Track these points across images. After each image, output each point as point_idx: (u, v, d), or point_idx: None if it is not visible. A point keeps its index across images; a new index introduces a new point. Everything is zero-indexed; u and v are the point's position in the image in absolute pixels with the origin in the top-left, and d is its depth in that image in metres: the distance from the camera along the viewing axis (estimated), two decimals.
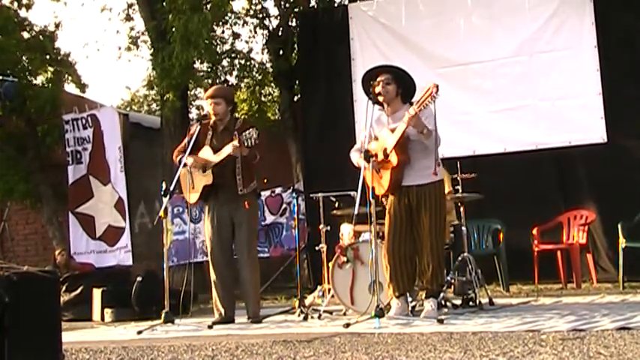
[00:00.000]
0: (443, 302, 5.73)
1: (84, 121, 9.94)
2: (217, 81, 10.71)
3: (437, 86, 5.06)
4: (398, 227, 5.40)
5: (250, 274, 5.95)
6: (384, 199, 5.55)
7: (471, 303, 5.92)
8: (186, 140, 6.08)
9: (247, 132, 5.60)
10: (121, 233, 9.57)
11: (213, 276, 6.00)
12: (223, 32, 11.09)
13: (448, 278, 6.09)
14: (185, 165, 6.01)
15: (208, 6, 9.31)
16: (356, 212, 5.15)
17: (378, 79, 5.51)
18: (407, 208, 5.40)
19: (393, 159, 5.35)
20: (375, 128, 5.60)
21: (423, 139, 5.24)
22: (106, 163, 9.71)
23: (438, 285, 5.38)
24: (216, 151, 5.90)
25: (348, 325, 4.86)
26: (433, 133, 5.26)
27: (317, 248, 6.61)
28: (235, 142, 5.67)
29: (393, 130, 5.37)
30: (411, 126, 5.17)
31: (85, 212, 9.91)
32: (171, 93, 9.31)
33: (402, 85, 5.52)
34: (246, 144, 5.59)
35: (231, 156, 5.77)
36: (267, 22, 11.51)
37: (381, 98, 5.50)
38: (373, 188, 5.17)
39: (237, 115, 7.71)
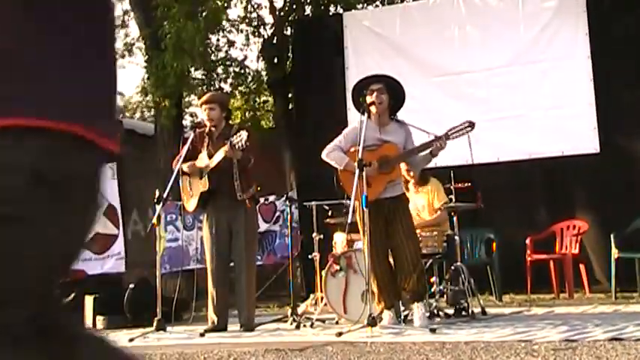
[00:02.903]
0: (435, 311, 5.74)
1: None
2: (212, 88, 10.72)
3: (474, 125, 5.52)
4: (378, 240, 5.44)
5: (247, 282, 5.91)
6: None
7: (463, 312, 5.92)
8: (183, 149, 6.04)
9: (237, 134, 5.59)
10: (112, 241, 9.50)
11: (210, 284, 5.95)
12: (218, 40, 11.12)
13: (441, 287, 6.10)
14: (183, 173, 6.00)
15: (204, 14, 9.31)
16: (349, 221, 5.16)
17: (372, 87, 5.51)
18: (383, 221, 5.50)
19: (396, 173, 5.60)
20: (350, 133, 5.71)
21: (424, 163, 5.70)
22: None
23: (422, 286, 5.44)
24: (212, 158, 5.89)
25: (340, 334, 4.86)
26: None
27: (310, 256, 6.61)
28: (227, 146, 5.66)
29: (386, 141, 5.49)
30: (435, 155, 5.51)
31: None
32: (166, 101, 9.30)
33: (393, 96, 5.60)
34: (237, 147, 5.58)
35: (225, 159, 5.74)
36: (262, 30, 11.54)
37: (373, 108, 5.51)
38: (366, 197, 5.17)
39: (231, 122, 7.68)
